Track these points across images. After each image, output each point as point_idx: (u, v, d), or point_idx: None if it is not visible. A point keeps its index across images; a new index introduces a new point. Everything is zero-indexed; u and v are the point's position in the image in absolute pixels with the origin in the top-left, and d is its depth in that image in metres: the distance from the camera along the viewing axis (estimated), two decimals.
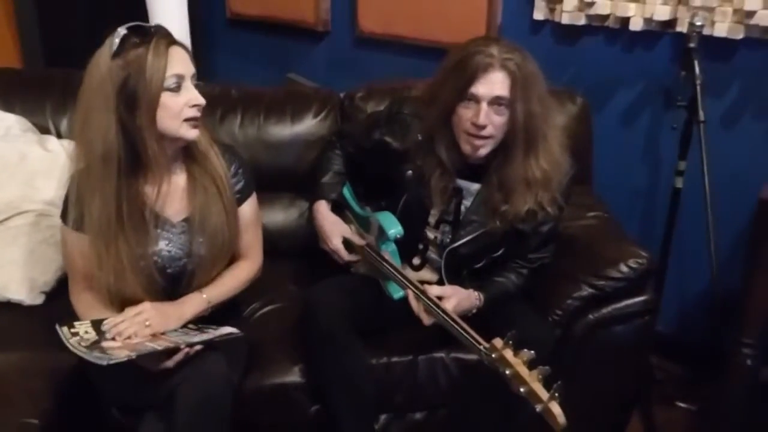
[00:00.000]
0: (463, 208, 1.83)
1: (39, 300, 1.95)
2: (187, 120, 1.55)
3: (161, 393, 1.50)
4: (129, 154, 1.53)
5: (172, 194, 1.64)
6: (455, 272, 1.85)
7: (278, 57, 3.40)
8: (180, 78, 1.52)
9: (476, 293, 1.78)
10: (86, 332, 1.51)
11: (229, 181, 1.70)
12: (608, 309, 1.82)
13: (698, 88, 1.96)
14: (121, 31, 1.49)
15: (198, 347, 1.52)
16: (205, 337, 1.55)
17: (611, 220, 2.10)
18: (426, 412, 1.89)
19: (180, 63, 1.52)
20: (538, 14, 2.53)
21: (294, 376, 1.79)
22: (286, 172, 2.25)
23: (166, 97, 1.51)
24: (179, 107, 1.53)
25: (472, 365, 1.80)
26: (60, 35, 3.06)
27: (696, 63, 1.97)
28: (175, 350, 1.50)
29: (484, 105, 1.66)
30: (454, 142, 1.76)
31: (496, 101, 1.65)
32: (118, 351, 1.43)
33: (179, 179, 1.66)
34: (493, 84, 1.65)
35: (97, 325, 1.54)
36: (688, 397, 2.30)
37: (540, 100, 1.69)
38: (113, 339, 1.50)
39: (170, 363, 1.50)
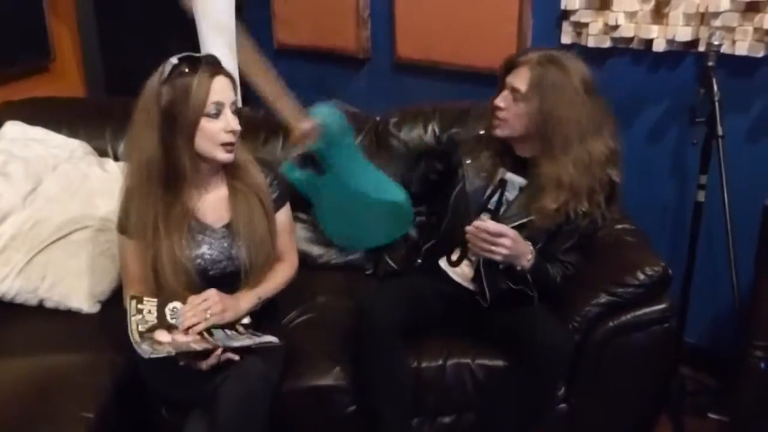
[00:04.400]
0: (504, 200, 1.95)
1: (95, 308, 2.10)
2: (222, 144, 1.69)
3: (205, 391, 1.62)
4: (169, 169, 1.68)
5: (214, 203, 1.80)
6: (492, 264, 1.92)
7: (322, 84, 3.54)
8: (219, 105, 1.67)
9: (532, 248, 1.87)
10: (149, 312, 1.66)
11: (268, 189, 1.85)
12: (627, 316, 1.88)
13: (716, 104, 2.02)
14: (173, 60, 1.65)
15: (233, 355, 1.64)
16: (245, 342, 1.67)
17: (635, 232, 2.15)
18: (455, 416, 1.97)
19: (221, 91, 1.67)
20: (566, 38, 2.62)
21: (329, 379, 1.89)
22: None
23: (204, 122, 1.66)
24: (216, 132, 1.67)
25: (498, 371, 1.89)
26: (121, 67, 3.26)
27: (714, 80, 2.03)
28: (212, 351, 1.62)
29: (506, 91, 1.91)
30: (503, 144, 1.98)
31: (514, 91, 1.89)
32: (161, 347, 1.56)
33: (220, 190, 1.81)
34: (517, 77, 1.89)
35: (161, 307, 1.68)
36: (720, 409, 2.31)
37: (568, 108, 1.84)
38: (175, 328, 1.64)
39: (206, 365, 1.62)
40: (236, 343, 1.66)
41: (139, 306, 1.67)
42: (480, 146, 2.04)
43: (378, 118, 2.48)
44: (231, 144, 1.71)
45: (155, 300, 1.70)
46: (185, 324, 1.65)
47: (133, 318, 1.63)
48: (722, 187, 2.01)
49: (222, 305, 1.70)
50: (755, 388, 1.80)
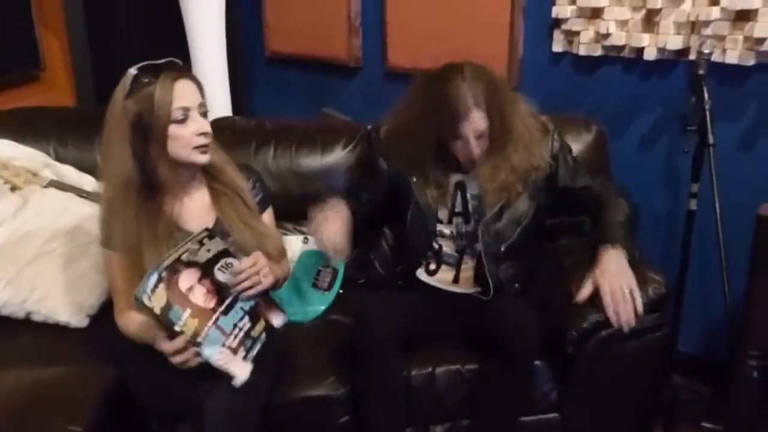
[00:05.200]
0: (468, 195, 2.00)
1: (84, 323, 2.08)
2: (196, 147, 1.68)
3: (193, 403, 1.60)
4: (147, 180, 1.67)
5: (195, 209, 1.79)
6: (493, 250, 1.97)
7: (314, 92, 3.55)
8: (186, 110, 1.65)
9: (611, 250, 1.83)
10: (208, 250, 1.63)
11: (251, 192, 1.85)
12: None
13: (707, 112, 2.02)
14: (132, 71, 1.64)
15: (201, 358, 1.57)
16: (219, 360, 1.58)
17: None
18: (449, 423, 1.95)
19: (186, 96, 1.65)
20: (557, 47, 2.63)
21: (322, 390, 1.88)
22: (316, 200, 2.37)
23: (174, 129, 1.65)
24: (188, 137, 1.66)
25: (489, 377, 1.88)
26: (112, 76, 3.25)
27: (705, 89, 2.03)
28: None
29: (472, 141, 1.88)
30: (444, 155, 1.99)
31: (481, 134, 1.88)
32: (156, 300, 1.53)
33: (201, 195, 1.80)
34: (475, 122, 1.86)
35: (220, 256, 1.64)
36: (713, 417, 2.30)
37: (505, 103, 1.91)
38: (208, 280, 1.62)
39: (170, 349, 1.56)
40: (210, 353, 1.57)
41: (206, 240, 1.64)
42: (421, 163, 2.01)
43: (369, 127, 2.47)
44: (205, 146, 1.70)
45: (222, 245, 1.66)
46: (238, 287, 1.62)
47: (189, 244, 1.60)
48: (714, 196, 2.00)
49: (269, 269, 1.70)
50: (748, 396, 1.79)
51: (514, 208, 1.97)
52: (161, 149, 1.66)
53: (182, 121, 1.65)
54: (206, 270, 1.62)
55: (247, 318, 1.66)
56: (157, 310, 1.53)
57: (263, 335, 1.68)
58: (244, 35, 3.71)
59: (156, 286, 1.54)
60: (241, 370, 1.60)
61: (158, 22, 3.32)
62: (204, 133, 1.68)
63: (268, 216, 1.93)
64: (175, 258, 1.58)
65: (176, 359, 1.57)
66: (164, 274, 1.55)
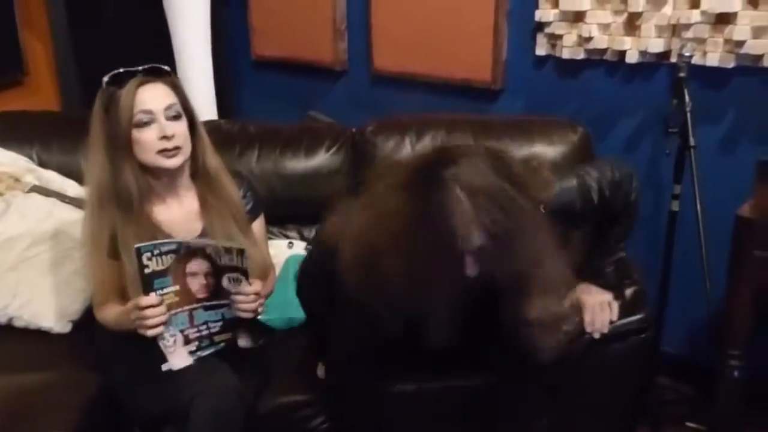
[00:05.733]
0: None
1: (67, 328, 2.07)
2: (159, 152, 1.67)
3: (178, 404, 1.60)
4: (120, 187, 1.67)
5: (184, 215, 1.79)
6: None
7: (300, 96, 3.55)
8: (149, 114, 1.65)
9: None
10: (231, 260, 1.65)
11: (241, 201, 1.84)
12: None
13: (688, 115, 2.04)
14: (105, 79, 1.65)
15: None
16: (167, 340, 1.63)
17: None
18: None
19: (150, 100, 1.65)
20: (540, 50, 2.64)
21: (303, 395, 1.88)
22: (300, 203, 2.38)
23: (137, 133, 1.65)
24: (149, 141, 1.66)
25: (474, 392, 1.87)
26: (97, 80, 3.24)
27: (686, 91, 2.04)
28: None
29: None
30: None
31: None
32: (160, 263, 1.57)
33: (191, 202, 1.80)
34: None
35: (237, 270, 1.66)
36: (697, 417, 2.32)
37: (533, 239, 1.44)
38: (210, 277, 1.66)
39: (145, 302, 1.57)
40: (174, 330, 1.63)
41: (237, 255, 1.64)
42: (432, 296, 1.47)
43: (354, 129, 2.47)
44: (169, 150, 1.68)
45: (246, 265, 1.66)
46: (239, 308, 1.67)
47: (221, 245, 1.64)
48: (695, 198, 2.02)
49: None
50: (731, 395, 1.81)
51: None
52: (129, 154, 1.66)
53: (145, 124, 1.65)
54: (217, 271, 1.66)
55: (220, 324, 1.70)
56: (148, 270, 1.56)
57: (222, 345, 1.71)
58: (230, 38, 3.71)
59: (168, 253, 1.57)
60: (178, 360, 1.64)
61: (144, 26, 3.31)
62: (165, 137, 1.66)
63: (258, 225, 1.92)
64: (201, 245, 1.62)
65: (147, 312, 1.57)
66: (183, 250, 1.59)
